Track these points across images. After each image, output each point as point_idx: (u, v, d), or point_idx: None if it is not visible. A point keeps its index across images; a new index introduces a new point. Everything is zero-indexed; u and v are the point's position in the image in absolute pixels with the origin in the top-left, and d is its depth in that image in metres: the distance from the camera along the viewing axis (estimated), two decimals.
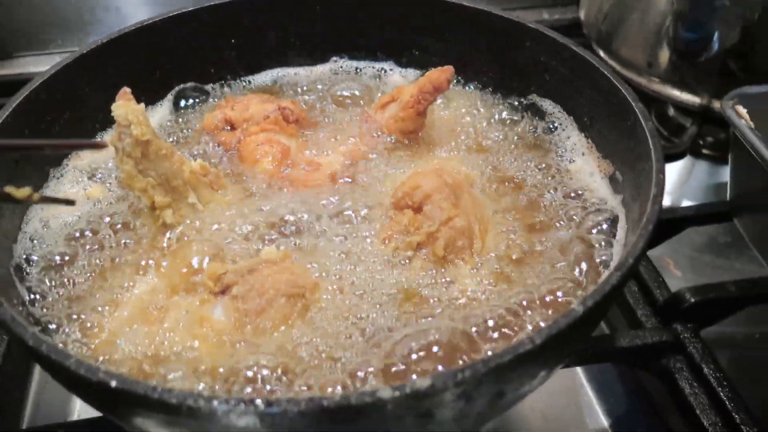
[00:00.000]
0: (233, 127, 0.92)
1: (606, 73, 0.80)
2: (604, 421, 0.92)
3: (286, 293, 0.69)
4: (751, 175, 0.93)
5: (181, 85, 1.01)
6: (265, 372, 0.63)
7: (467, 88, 1.01)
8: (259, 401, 0.48)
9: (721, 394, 0.82)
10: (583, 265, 0.73)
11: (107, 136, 0.92)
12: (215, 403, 0.48)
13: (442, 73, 0.85)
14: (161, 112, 0.99)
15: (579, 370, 0.97)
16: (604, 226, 0.77)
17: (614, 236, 0.75)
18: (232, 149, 0.89)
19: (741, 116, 0.88)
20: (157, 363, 0.65)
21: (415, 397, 0.49)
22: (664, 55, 1.22)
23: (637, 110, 0.74)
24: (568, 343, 0.57)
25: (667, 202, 1.20)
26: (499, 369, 0.51)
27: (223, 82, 1.04)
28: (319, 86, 1.03)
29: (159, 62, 0.98)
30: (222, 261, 0.74)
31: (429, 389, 0.49)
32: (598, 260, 0.73)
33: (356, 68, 1.05)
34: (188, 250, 0.75)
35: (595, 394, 0.95)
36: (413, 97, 0.87)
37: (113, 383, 0.50)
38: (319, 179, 0.85)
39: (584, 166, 0.85)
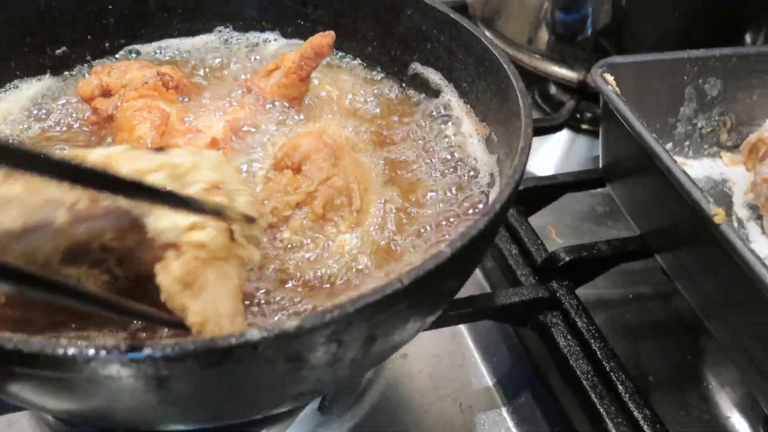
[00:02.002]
0: (110, 94, 0.89)
1: (481, 38, 0.83)
2: (489, 380, 0.96)
3: None
4: (619, 141, 0.98)
5: (58, 53, 0.97)
6: None
7: (351, 59, 1.01)
8: (122, 345, 0.47)
9: (593, 345, 0.86)
10: (460, 221, 0.76)
11: None
12: (72, 351, 0.47)
13: (324, 38, 0.85)
14: (37, 85, 0.94)
15: (465, 332, 1.00)
16: (480, 184, 0.79)
17: (489, 193, 0.78)
18: (107, 116, 0.86)
19: (608, 83, 0.94)
20: None
21: (283, 338, 0.49)
22: (544, 34, 1.28)
23: (508, 71, 0.77)
24: (437, 286, 0.58)
25: (550, 173, 1.25)
26: (368, 309, 0.51)
27: (102, 50, 1.00)
28: (203, 56, 1.01)
29: (31, 30, 0.93)
30: None
31: (297, 330, 0.49)
32: (475, 214, 0.76)
33: (241, 38, 1.04)
34: None
35: (480, 354, 0.98)
36: (295, 63, 0.87)
37: None
38: (200, 145, 0.83)
39: (463, 129, 0.87)
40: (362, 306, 0.51)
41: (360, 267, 0.71)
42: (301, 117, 0.89)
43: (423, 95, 0.95)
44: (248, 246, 0.62)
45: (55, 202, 0.59)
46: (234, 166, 0.74)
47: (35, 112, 0.90)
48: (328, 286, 0.69)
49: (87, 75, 0.96)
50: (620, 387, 0.81)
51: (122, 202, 0.59)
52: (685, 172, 0.81)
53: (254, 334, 0.48)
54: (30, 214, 0.58)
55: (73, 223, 0.59)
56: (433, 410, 0.91)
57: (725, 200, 1.08)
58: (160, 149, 0.64)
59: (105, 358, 0.47)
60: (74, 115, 0.89)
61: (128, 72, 0.90)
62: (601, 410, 0.80)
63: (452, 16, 0.87)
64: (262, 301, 0.66)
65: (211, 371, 0.50)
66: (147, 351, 0.47)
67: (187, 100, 0.91)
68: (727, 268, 0.76)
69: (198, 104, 0.91)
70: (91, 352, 0.47)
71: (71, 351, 0.47)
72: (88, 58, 0.99)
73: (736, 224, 1.04)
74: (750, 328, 0.78)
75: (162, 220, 0.59)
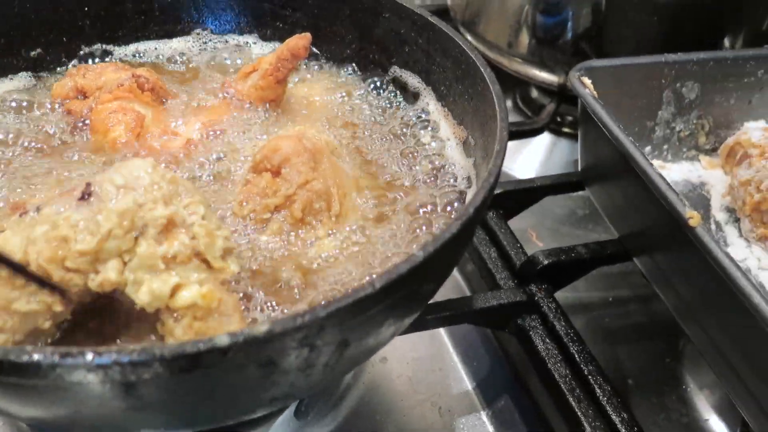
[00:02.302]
0: (85, 96, 0.88)
1: (458, 41, 0.83)
2: (468, 384, 0.95)
3: None
4: (597, 144, 0.99)
5: (32, 54, 0.96)
6: None
7: (329, 63, 1.01)
8: (88, 353, 0.46)
9: (572, 348, 0.86)
10: (435, 225, 0.75)
11: None
12: (37, 357, 0.46)
13: (300, 39, 0.85)
14: (11, 84, 0.93)
15: (445, 336, 1.00)
16: (458, 187, 0.79)
17: (465, 195, 0.78)
18: (82, 118, 0.86)
19: (586, 86, 0.94)
20: None
21: (253, 343, 0.49)
22: (524, 38, 1.28)
23: (485, 74, 0.77)
24: (411, 290, 0.58)
25: (530, 176, 1.25)
26: (340, 313, 0.51)
27: (77, 52, 0.99)
28: (180, 58, 1.00)
29: (5, 31, 0.92)
30: None
31: (267, 334, 0.49)
32: (450, 218, 0.76)
33: (219, 41, 1.03)
34: None
35: (460, 358, 0.98)
36: (272, 65, 0.86)
37: None
38: (174, 147, 0.83)
39: (441, 133, 0.87)
40: (334, 310, 0.51)
41: (337, 271, 0.71)
42: (278, 119, 0.89)
43: (401, 98, 0.94)
44: (226, 262, 0.62)
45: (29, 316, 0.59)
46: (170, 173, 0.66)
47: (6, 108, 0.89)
48: (304, 289, 0.68)
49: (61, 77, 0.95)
50: (598, 390, 0.82)
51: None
52: (661, 176, 0.81)
53: (223, 340, 0.48)
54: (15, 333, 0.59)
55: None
56: (412, 414, 0.91)
57: (703, 203, 1.09)
58: (83, 197, 0.60)
59: (71, 364, 0.47)
60: (47, 117, 0.87)
61: (103, 74, 0.89)
62: (579, 414, 0.80)
63: (430, 19, 0.87)
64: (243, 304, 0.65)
65: (180, 377, 0.49)
66: (114, 356, 0.47)
67: (167, 102, 0.90)
68: (702, 272, 0.76)
69: (174, 106, 0.90)
70: (56, 358, 0.46)
71: (36, 357, 0.46)
72: (64, 60, 0.98)
73: (713, 227, 1.04)
74: (726, 331, 0.78)
75: (143, 293, 0.58)
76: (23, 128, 0.86)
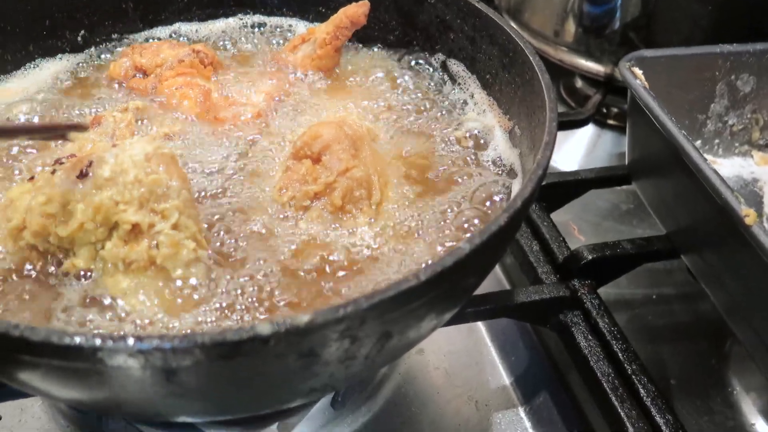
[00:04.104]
0: (145, 74, 0.89)
1: (506, 28, 0.81)
2: (506, 379, 0.94)
3: None
4: (647, 137, 0.96)
5: (76, 37, 0.96)
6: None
7: (373, 49, 1.00)
8: (130, 338, 0.46)
9: (615, 346, 0.84)
10: (480, 217, 0.74)
11: None
12: (79, 340, 0.46)
13: (359, 7, 0.85)
14: (59, 64, 0.94)
15: (483, 329, 0.98)
16: (502, 179, 0.77)
17: (511, 188, 0.76)
18: (149, 94, 0.86)
19: (637, 77, 0.91)
20: None
21: (295, 333, 0.48)
22: (571, 26, 1.25)
23: (534, 63, 0.74)
24: (455, 283, 0.57)
25: (574, 169, 1.22)
26: (383, 305, 0.50)
27: (119, 35, 0.99)
28: (226, 39, 1.00)
29: (49, 11, 0.93)
30: None
31: (309, 324, 0.48)
32: (495, 210, 0.74)
33: (261, 23, 1.03)
34: None
35: (498, 352, 0.96)
36: (329, 34, 0.87)
37: None
38: (246, 118, 0.84)
39: (486, 122, 0.85)
40: (377, 302, 0.49)
41: (378, 260, 0.69)
42: (336, 86, 0.91)
43: (445, 86, 0.92)
44: (188, 271, 0.64)
45: None
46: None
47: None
48: (344, 278, 0.67)
49: (103, 58, 0.96)
50: (642, 390, 0.79)
51: None
52: (715, 171, 0.78)
53: (265, 328, 0.47)
54: None
55: None
56: (448, 408, 0.90)
57: (755, 200, 1.05)
58: (81, 175, 0.64)
59: (112, 348, 0.46)
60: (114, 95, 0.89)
61: (161, 51, 0.91)
62: (622, 414, 0.78)
63: (476, 5, 0.85)
64: (276, 293, 0.64)
65: (220, 364, 0.49)
66: (156, 342, 0.46)
67: (225, 77, 0.91)
68: (756, 271, 0.73)
69: (233, 81, 0.91)
70: (98, 342, 0.46)
71: (78, 340, 0.46)
72: (107, 43, 0.98)
73: (766, 225, 1.01)
74: None
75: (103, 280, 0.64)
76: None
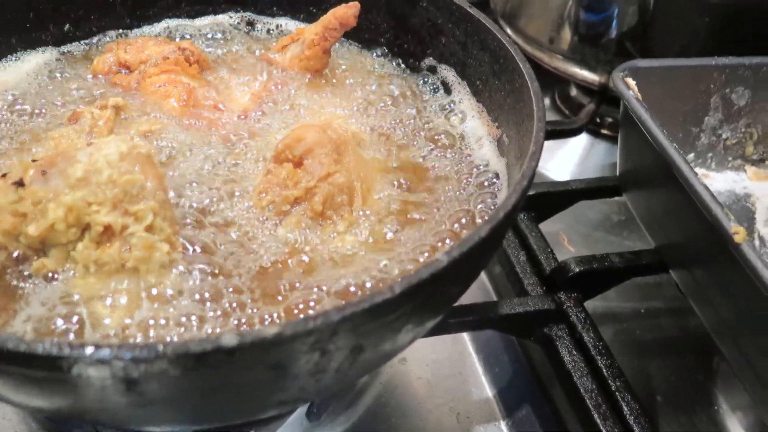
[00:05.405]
0: (129, 70, 0.87)
1: (497, 34, 0.79)
2: (489, 391, 0.92)
3: None
4: (638, 149, 0.94)
5: (61, 30, 0.94)
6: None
7: (363, 51, 0.98)
8: (88, 346, 0.44)
9: (599, 362, 0.82)
10: (463, 227, 0.72)
11: None
12: (38, 347, 0.44)
13: (349, 8, 0.83)
14: (41, 57, 0.92)
15: (467, 340, 0.97)
16: (487, 189, 0.76)
17: (496, 197, 0.74)
18: (132, 91, 0.84)
19: (630, 87, 0.89)
20: None
21: (262, 346, 0.46)
22: (566, 34, 1.23)
23: (524, 71, 0.73)
24: (432, 295, 0.55)
25: (565, 178, 1.21)
26: (354, 318, 0.48)
27: (105, 30, 0.97)
28: (214, 36, 0.98)
29: (34, 4, 0.91)
30: None
31: (277, 337, 0.46)
32: (479, 221, 0.72)
33: (251, 22, 1.01)
34: None
35: (482, 363, 0.95)
36: (318, 35, 0.85)
37: None
38: (230, 118, 0.82)
39: (474, 130, 0.84)
40: (348, 314, 0.48)
41: (356, 268, 0.68)
42: (324, 86, 0.89)
43: (434, 91, 0.91)
44: (162, 274, 0.62)
45: None
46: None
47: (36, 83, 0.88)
48: (323, 288, 0.65)
49: (87, 53, 0.94)
50: (625, 408, 0.77)
51: None
52: (705, 186, 0.76)
53: (230, 340, 0.45)
54: None
55: None
56: (430, 419, 0.88)
57: (747, 216, 1.03)
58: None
59: (70, 356, 0.44)
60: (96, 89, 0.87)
61: (146, 48, 0.89)
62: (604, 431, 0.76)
63: (468, 10, 0.83)
64: (249, 301, 0.62)
65: (183, 375, 0.47)
66: (116, 351, 0.44)
67: (210, 76, 0.89)
68: (745, 290, 0.71)
69: (219, 79, 0.89)
70: (55, 350, 0.44)
71: (34, 348, 0.44)
72: (92, 37, 0.97)
73: (757, 242, 0.99)
74: (766, 353, 0.73)
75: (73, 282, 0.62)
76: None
